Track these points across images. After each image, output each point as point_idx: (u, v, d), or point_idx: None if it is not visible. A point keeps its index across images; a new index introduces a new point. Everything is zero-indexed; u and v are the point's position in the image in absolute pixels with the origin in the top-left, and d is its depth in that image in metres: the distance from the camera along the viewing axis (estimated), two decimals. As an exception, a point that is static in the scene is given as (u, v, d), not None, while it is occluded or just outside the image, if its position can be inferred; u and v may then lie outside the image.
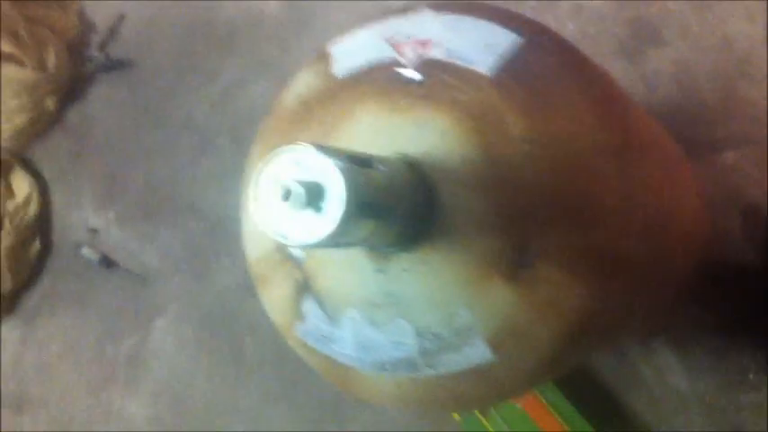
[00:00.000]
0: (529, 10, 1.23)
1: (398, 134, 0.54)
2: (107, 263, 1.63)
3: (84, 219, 1.72)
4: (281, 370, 1.38)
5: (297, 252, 0.59)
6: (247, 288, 1.39)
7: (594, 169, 0.52)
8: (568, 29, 1.21)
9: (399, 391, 0.59)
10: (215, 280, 1.50)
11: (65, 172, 1.78)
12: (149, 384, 1.52)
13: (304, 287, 0.59)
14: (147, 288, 1.59)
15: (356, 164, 0.44)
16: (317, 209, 0.42)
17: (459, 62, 0.54)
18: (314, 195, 0.42)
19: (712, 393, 1.08)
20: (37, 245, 1.73)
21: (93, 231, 1.69)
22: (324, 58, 0.60)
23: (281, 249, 0.60)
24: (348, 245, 0.48)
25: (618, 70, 1.15)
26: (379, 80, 0.56)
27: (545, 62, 0.54)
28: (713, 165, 1.09)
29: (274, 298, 0.63)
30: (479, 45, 0.54)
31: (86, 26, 1.83)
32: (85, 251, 1.65)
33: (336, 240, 0.43)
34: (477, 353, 0.54)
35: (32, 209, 1.73)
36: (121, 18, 1.79)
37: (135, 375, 1.54)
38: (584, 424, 1.09)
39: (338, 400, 1.31)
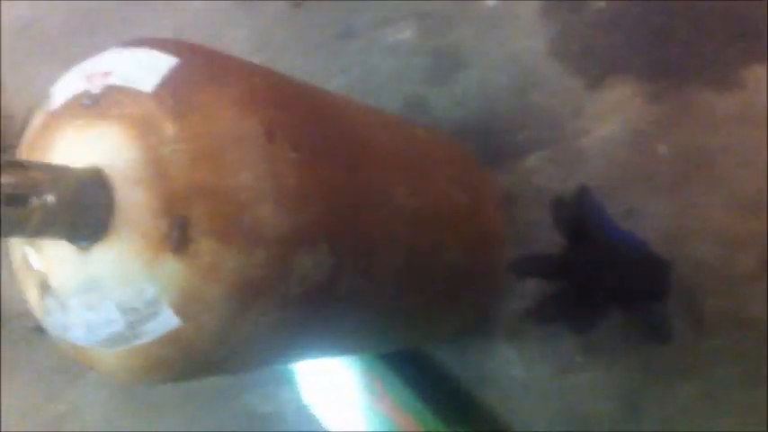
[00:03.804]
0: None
1: (86, 149, 0.65)
2: (40, 329, 1.73)
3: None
4: (184, 407, 1.48)
5: (34, 260, 0.71)
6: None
7: (234, 155, 0.63)
8: (373, 63, 1.33)
9: (120, 362, 0.68)
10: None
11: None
12: None
13: (44, 287, 0.70)
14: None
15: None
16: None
17: (129, 84, 0.66)
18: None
19: (547, 379, 1.16)
20: (-14, 321, 1.80)
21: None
22: (48, 96, 0.73)
23: (25, 259, 0.72)
24: (22, 232, 0.57)
25: (433, 96, 1.26)
26: (72, 109, 0.68)
27: (194, 76, 0.66)
28: (517, 170, 1.19)
29: (31, 300, 0.74)
30: (145, 69, 0.67)
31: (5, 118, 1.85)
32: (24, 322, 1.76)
33: None
34: (168, 319, 0.63)
35: (-22, 288, 1.81)
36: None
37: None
38: (434, 419, 1.17)
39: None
